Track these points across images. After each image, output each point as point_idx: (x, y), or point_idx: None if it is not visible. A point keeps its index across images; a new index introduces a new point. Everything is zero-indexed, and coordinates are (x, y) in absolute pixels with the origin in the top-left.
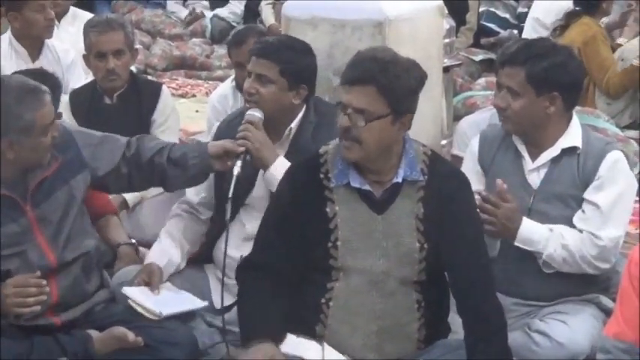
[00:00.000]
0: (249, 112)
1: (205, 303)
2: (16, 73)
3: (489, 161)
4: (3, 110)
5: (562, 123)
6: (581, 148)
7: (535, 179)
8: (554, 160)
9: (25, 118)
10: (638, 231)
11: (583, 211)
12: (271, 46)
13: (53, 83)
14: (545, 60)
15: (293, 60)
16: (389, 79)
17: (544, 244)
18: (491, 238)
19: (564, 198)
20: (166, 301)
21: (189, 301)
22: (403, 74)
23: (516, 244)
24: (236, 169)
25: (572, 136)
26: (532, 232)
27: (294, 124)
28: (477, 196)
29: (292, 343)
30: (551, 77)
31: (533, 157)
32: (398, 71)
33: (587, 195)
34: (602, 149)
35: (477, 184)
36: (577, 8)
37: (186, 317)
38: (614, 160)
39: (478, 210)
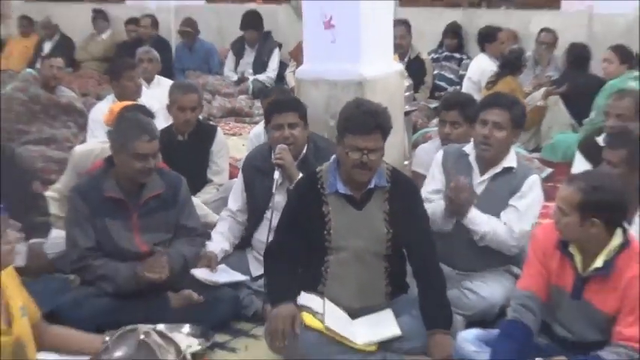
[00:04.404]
0: (281, 145)
1: (247, 277)
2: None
3: (449, 169)
4: (119, 131)
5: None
6: (516, 168)
7: (479, 188)
8: (495, 176)
9: (123, 141)
10: None
11: (506, 211)
12: (295, 102)
13: (149, 114)
14: (517, 105)
15: (304, 107)
16: (387, 124)
17: (481, 226)
18: (449, 217)
19: (497, 203)
20: (220, 276)
21: (235, 275)
22: (388, 117)
23: (464, 222)
24: (277, 175)
25: (511, 159)
26: (476, 216)
27: (304, 151)
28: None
29: (303, 297)
30: (522, 119)
31: (481, 171)
32: (386, 117)
33: (511, 201)
34: (527, 172)
35: (439, 182)
36: (503, 70)
37: (234, 285)
38: (533, 181)
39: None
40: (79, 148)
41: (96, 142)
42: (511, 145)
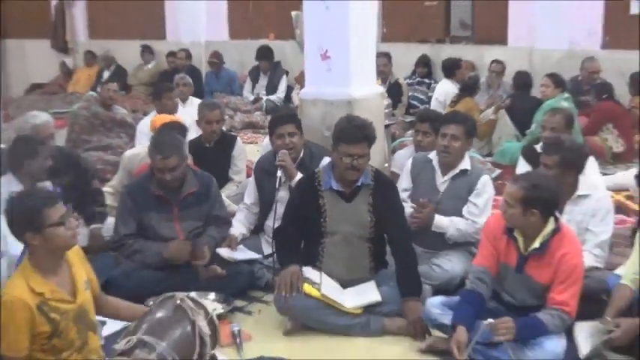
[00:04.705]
0: (283, 150)
1: (260, 255)
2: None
3: (417, 172)
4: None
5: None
6: (470, 170)
7: (442, 187)
8: (454, 177)
9: (153, 157)
10: None
11: (468, 207)
12: (292, 116)
13: (183, 130)
14: (470, 120)
15: (299, 120)
16: (371, 134)
17: (446, 229)
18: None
19: (456, 199)
20: (239, 254)
21: (250, 254)
22: (373, 130)
23: (432, 229)
24: (279, 174)
25: (466, 162)
26: (440, 222)
27: (301, 155)
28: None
29: (305, 271)
30: (473, 131)
31: (443, 173)
32: (372, 129)
33: (470, 198)
34: (479, 173)
35: (407, 183)
36: (463, 92)
37: (250, 261)
38: (485, 180)
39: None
40: (127, 152)
41: (141, 148)
42: (465, 152)
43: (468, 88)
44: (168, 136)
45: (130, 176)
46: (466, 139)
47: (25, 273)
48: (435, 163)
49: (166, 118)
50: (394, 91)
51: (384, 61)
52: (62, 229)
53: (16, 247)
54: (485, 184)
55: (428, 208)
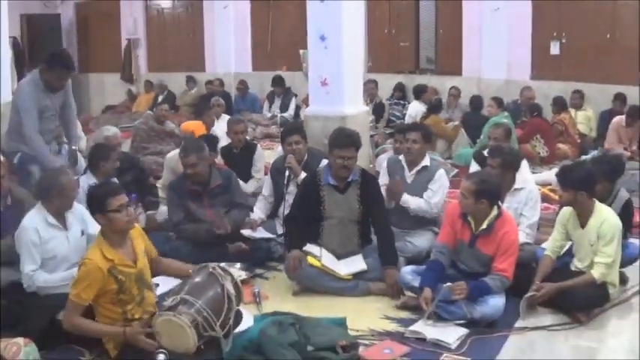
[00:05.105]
0: (289, 155)
1: (274, 235)
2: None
3: (392, 170)
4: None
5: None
6: (429, 166)
7: (409, 179)
8: (418, 171)
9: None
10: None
11: (426, 192)
12: (298, 129)
13: (214, 140)
14: (426, 129)
15: (304, 131)
16: (358, 141)
17: (410, 204)
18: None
19: (420, 187)
20: (258, 233)
21: (267, 234)
22: (359, 138)
23: (400, 203)
24: (287, 173)
25: (426, 160)
26: (406, 198)
27: (305, 158)
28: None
29: (308, 246)
30: (429, 137)
31: (409, 169)
32: (358, 137)
33: (429, 185)
34: (436, 168)
35: (385, 178)
36: (430, 111)
37: (267, 239)
38: (440, 173)
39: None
40: (169, 154)
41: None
42: (425, 152)
43: (434, 108)
44: (191, 141)
45: (171, 172)
46: (424, 142)
47: (100, 244)
48: (404, 162)
49: (194, 125)
50: (378, 109)
51: (372, 85)
52: (119, 215)
53: (93, 227)
54: (440, 176)
55: (398, 187)
